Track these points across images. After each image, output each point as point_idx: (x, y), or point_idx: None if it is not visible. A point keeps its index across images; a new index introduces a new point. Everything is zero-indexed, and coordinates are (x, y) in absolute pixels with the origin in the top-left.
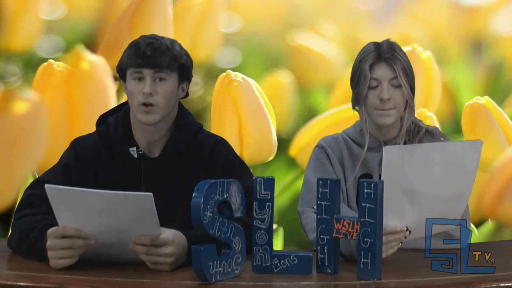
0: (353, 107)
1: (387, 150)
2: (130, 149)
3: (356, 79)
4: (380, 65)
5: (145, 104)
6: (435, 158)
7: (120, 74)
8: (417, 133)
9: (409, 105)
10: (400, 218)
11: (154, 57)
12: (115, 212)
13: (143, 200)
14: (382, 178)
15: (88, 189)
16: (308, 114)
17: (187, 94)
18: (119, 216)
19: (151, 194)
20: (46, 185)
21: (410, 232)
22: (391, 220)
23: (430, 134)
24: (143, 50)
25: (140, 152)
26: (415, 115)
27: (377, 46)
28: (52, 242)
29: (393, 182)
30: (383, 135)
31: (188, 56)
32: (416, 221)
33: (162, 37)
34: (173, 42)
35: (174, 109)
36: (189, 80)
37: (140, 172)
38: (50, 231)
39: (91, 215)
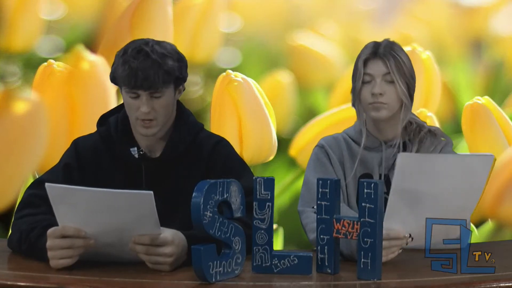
0: (353, 105)
1: (401, 157)
2: (131, 149)
3: (353, 75)
4: (375, 60)
5: (143, 120)
6: (447, 170)
7: (114, 82)
8: (418, 133)
9: (404, 104)
10: (404, 224)
11: (148, 79)
12: (115, 210)
13: (144, 199)
14: (392, 183)
15: (88, 187)
16: (308, 114)
17: (183, 89)
18: (119, 214)
19: (151, 192)
20: (47, 184)
21: (412, 239)
22: (394, 225)
23: (432, 134)
24: (135, 71)
25: (141, 152)
26: (416, 115)
27: (376, 44)
28: (52, 242)
29: (403, 188)
30: (383, 135)
31: (182, 62)
32: (419, 229)
33: (153, 48)
34: (164, 53)
35: (172, 113)
36: (185, 80)
37: (141, 172)
38: (50, 231)
39: (92, 214)
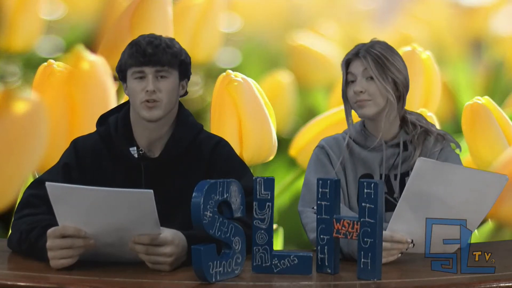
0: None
1: (420, 161)
2: (131, 149)
3: None
4: (355, 60)
5: (148, 101)
6: (462, 182)
7: (120, 75)
8: (422, 136)
9: (389, 100)
10: (409, 228)
11: (156, 54)
12: (115, 209)
13: (144, 197)
14: (406, 186)
15: (89, 186)
16: (308, 114)
17: (186, 93)
18: (119, 213)
19: (151, 191)
20: (47, 183)
21: (413, 245)
22: (400, 228)
23: (439, 139)
24: (144, 48)
25: (141, 152)
26: (425, 118)
27: (360, 45)
28: (52, 242)
29: (415, 192)
30: (378, 135)
31: (187, 53)
32: (423, 236)
33: (161, 36)
34: (172, 40)
35: (175, 106)
36: (188, 78)
37: (140, 172)
38: (50, 231)
39: (92, 213)
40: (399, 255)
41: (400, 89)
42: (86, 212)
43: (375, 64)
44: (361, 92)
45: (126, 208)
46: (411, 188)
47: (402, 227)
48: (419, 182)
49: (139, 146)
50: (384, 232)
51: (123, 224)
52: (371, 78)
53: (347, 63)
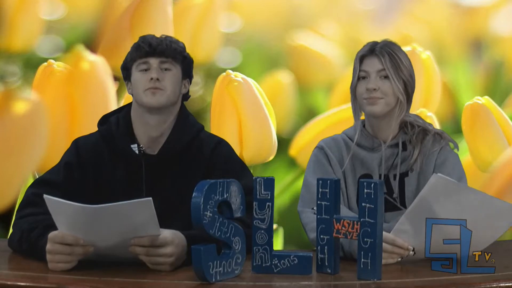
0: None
1: (436, 177)
2: (131, 145)
3: (352, 72)
4: (370, 57)
5: (151, 88)
6: (474, 205)
7: (125, 73)
8: (422, 137)
9: (400, 101)
10: (412, 237)
11: (160, 45)
12: (115, 221)
13: (143, 206)
14: (418, 198)
15: (85, 205)
16: (308, 114)
17: (188, 96)
18: (119, 223)
19: (150, 198)
20: (45, 196)
21: (414, 253)
22: (403, 235)
23: (437, 138)
24: (150, 40)
25: (141, 149)
26: (421, 118)
27: (374, 42)
28: (52, 246)
29: (426, 206)
30: (382, 135)
31: (189, 55)
32: (423, 247)
33: (165, 35)
34: (175, 39)
35: (177, 102)
36: (191, 79)
37: (141, 169)
38: (51, 235)
39: (91, 226)
40: (399, 259)
41: (409, 91)
42: (85, 225)
43: (391, 63)
44: (374, 89)
45: (125, 218)
46: (423, 201)
47: (406, 235)
48: (431, 197)
49: (139, 144)
50: (387, 234)
51: (123, 231)
52: (385, 77)
53: (360, 59)
